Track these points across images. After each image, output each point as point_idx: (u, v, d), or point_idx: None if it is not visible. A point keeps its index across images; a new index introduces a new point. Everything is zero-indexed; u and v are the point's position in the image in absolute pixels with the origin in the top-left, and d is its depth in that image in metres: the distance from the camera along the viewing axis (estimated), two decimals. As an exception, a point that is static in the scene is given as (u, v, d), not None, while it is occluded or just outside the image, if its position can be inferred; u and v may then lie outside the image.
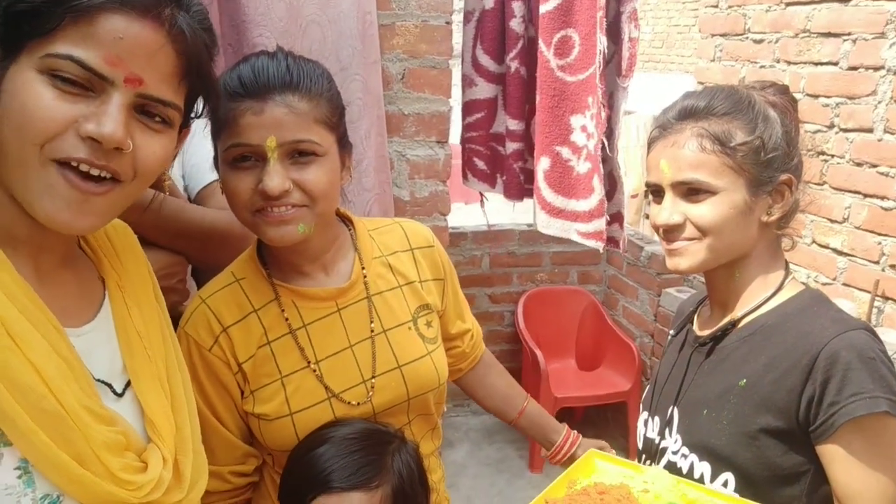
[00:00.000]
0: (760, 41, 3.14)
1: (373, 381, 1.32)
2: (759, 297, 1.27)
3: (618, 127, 2.50)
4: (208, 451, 1.23)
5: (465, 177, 2.80)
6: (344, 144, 1.28)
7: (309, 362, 1.29)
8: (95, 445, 0.84)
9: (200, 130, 1.36)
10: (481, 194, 2.89)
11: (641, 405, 1.49)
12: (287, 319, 1.30)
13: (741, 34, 3.24)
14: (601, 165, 2.32)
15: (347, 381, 1.31)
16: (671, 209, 1.25)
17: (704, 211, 1.22)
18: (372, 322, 1.34)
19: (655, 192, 1.30)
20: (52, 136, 0.79)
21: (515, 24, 2.53)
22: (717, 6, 3.37)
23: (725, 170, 1.21)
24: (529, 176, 2.60)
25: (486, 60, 2.60)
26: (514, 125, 2.62)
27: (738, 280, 1.28)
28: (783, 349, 1.18)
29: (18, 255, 0.86)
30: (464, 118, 2.71)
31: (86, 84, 0.81)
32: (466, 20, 2.65)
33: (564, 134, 2.35)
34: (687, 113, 1.25)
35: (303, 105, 1.17)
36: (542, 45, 2.37)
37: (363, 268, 1.36)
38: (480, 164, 2.76)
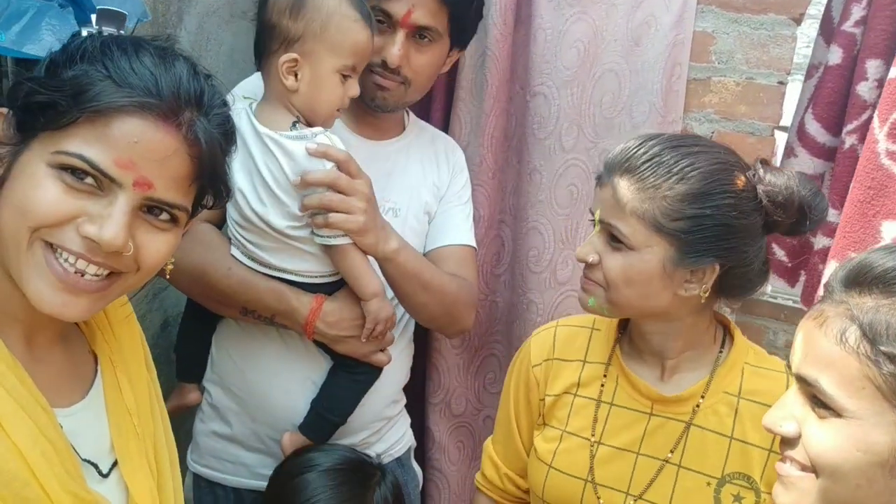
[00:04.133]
0: None
1: (635, 503, 1.21)
2: None
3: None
4: (500, 445, 1.41)
5: (757, 264, 2.27)
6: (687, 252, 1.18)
7: (592, 436, 1.27)
8: None
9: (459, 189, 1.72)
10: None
11: None
12: (602, 387, 1.29)
13: None
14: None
15: (613, 481, 1.22)
16: (788, 411, 0.86)
17: (820, 436, 0.81)
18: (672, 450, 1.20)
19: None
20: (51, 226, 0.81)
21: (864, 90, 1.92)
22: None
23: (866, 385, 0.77)
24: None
25: (814, 128, 2.04)
26: (833, 216, 2.01)
27: None
28: None
29: (12, 333, 0.87)
30: (774, 194, 2.20)
31: (94, 182, 0.81)
32: (808, 76, 2.12)
33: (868, 240, 1.73)
34: (854, 279, 0.82)
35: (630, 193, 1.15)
36: (876, 118, 1.78)
37: (703, 395, 1.20)
38: (780, 253, 2.20)
